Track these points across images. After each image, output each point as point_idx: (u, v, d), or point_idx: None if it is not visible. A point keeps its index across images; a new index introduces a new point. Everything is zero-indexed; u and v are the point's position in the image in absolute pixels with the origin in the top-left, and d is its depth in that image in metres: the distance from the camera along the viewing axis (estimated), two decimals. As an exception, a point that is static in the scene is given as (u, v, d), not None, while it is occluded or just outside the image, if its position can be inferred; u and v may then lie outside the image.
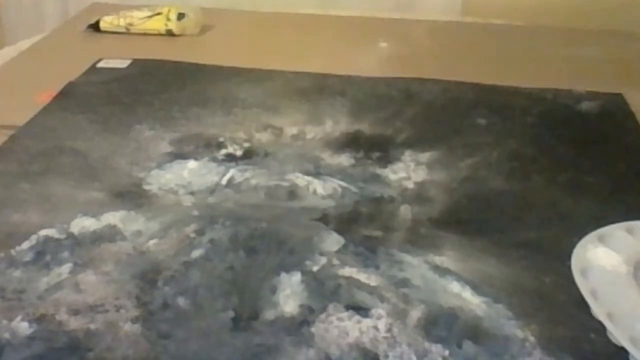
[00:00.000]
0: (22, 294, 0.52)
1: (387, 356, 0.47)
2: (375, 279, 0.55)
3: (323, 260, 0.57)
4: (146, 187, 0.67)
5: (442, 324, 0.50)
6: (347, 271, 0.55)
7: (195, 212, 0.63)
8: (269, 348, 0.48)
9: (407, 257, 0.57)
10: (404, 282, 0.54)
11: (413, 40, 1.13)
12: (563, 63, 1.02)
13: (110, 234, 0.59)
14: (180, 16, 1.10)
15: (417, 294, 0.53)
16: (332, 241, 0.59)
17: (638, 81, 0.94)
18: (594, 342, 0.49)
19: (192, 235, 0.59)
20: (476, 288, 0.54)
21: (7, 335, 0.48)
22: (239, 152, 0.73)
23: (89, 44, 1.06)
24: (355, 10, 1.29)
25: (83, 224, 0.60)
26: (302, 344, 0.48)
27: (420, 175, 0.70)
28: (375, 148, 0.75)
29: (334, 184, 0.68)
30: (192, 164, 0.71)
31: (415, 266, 0.56)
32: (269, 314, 0.51)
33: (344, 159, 0.72)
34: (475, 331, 0.50)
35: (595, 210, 0.64)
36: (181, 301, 0.52)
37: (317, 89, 0.88)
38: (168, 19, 1.09)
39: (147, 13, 1.10)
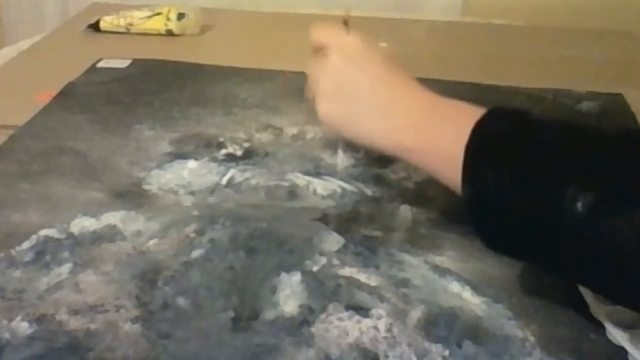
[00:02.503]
0: (22, 294, 0.52)
1: (387, 356, 0.47)
2: (375, 279, 0.55)
3: (323, 260, 0.57)
4: (146, 187, 0.67)
5: (442, 324, 0.50)
6: (347, 271, 0.55)
7: (195, 212, 0.63)
8: (269, 348, 0.48)
9: (407, 257, 0.57)
10: (404, 282, 0.54)
11: (413, 40, 1.13)
12: (563, 63, 1.02)
13: (110, 234, 0.59)
14: (180, 16, 1.09)
15: (417, 294, 0.53)
16: (332, 241, 0.59)
17: (638, 81, 0.94)
18: (594, 342, 0.49)
19: (192, 235, 0.59)
20: (476, 288, 0.54)
21: (7, 335, 0.48)
22: (239, 152, 0.73)
23: (89, 44, 1.06)
24: (355, 10, 1.29)
25: (83, 224, 0.60)
26: (302, 344, 0.48)
27: (420, 175, 0.70)
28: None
29: (334, 184, 0.68)
30: (192, 164, 0.71)
31: (415, 266, 0.56)
32: (269, 314, 0.51)
33: (344, 159, 0.72)
34: (475, 331, 0.50)
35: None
36: (181, 301, 0.52)
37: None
38: (168, 19, 1.09)
39: (147, 13, 1.10)
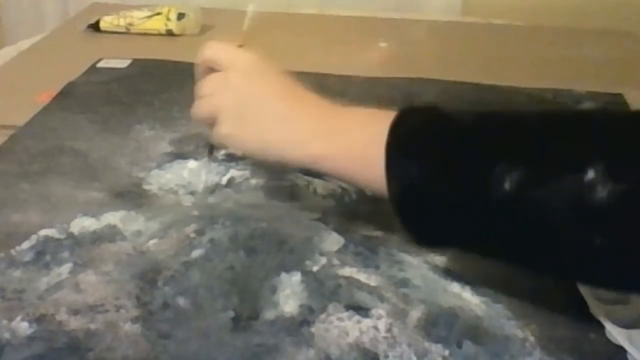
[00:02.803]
0: (22, 294, 0.52)
1: (387, 356, 0.47)
2: (375, 279, 0.55)
3: (323, 260, 0.57)
4: (146, 187, 0.67)
5: (442, 324, 0.50)
6: (347, 271, 0.55)
7: (195, 212, 0.63)
8: (269, 348, 0.48)
9: (407, 257, 0.57)
10: (404, 282, 0.54)
11: (413, 40, 1.13)
12: (563, 63, 1.02)
13: (110, 234, 0.59)
14: (180, 16, 1.10)
15: (417, 294, 0.53)
16: (332, 241, 0.59)
17: (638, 81, 0.94)
18: (594, 342, 0.49)
19: (192, 235, 0.59)
20: (476, 288, 0.54)
21: (7, 335, 0.48)
22: (239, 152, 0.73)
23: (89, 44, 1.07)
24: (355, 10, 1.29)
25: (83, 224, 0.60)
26: (302, 344, 0.48)
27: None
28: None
29: (334, 184, 0.68)
30: (192, 164, 0.71)
31: (415, 266, 0.56)
32: (269, 314, 0.51)
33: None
34: (475, 331, 0.50)
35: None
36: (181, 301, 0.52)
37: (317, 89, 0.88)
38: (168, 19, 1.09)
39: (147, 13, 1.10)
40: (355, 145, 0.52)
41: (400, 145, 0.49)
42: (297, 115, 0.56)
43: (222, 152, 0.73)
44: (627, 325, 0.49)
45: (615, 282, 0.46)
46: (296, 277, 0.54)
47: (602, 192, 0.41)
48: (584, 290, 0.52)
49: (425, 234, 0.50)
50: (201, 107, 0.60)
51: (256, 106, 0.57)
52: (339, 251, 0.58)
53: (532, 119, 0.48)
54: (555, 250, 0.45)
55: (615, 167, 0.42)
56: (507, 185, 0.43)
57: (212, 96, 0.59)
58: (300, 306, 0.52)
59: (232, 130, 0.58)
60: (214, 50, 0.60)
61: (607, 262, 0.44)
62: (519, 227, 0.45)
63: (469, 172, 0.46)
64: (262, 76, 0.58)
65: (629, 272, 0.44)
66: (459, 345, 0.48)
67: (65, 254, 0.57)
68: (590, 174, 0.41)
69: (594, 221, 0.42)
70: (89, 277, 0.54)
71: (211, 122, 0.59)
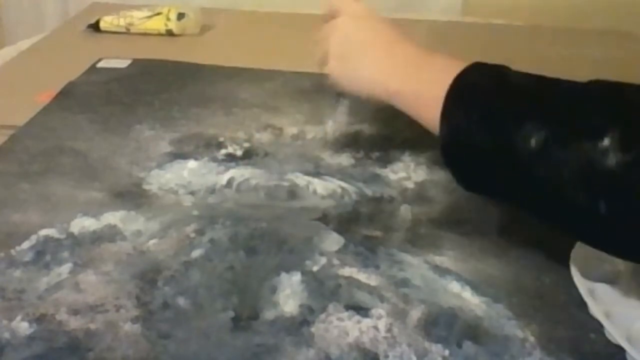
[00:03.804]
0: (22, 294, 0.52)
1: (387, 356, 0.47)
2: (375, 279, 0.55)
3: (323, 260, 0.57)
4: (146, 187, 0.67)
5: (442, 324, 0.50)
6: (347, 271, 0.55)
7: (195, 212, 0.63)
8: (269, 348, 0.48)
9: (407, 257, 0.57)
10: (404, 282, 0.54)
11: (413, 40, 1.13)
12: (563, 63, 1.02)
13: (110, 234, 0.59)
14: (180, 16, 1.10)
15: (417, 294, 0.53)
16: (332, 241, 0.59)
17: (638, 81, 0.94)
18: (594, 342, 0.49)
19: (192, 235, 0.59)
20: (476, 288, 0.54)
21: (7, 335, 0.48)
22: (239, 152, 0.73)
23: (89, 44, 1.06)
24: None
25: (83, 224, 0.60)
26: (302, 344, 0.48)
27: (420, 175, 0.70)
28: (375, 148, 0.75)
29: (334, 184, 0.68)
30: (192, 164, 0.71)
31: (415, 266, 0.56)
32: (269, 314, 0.51)
33: (344, 159, 0.72)
34: (475, 331, 0.50)
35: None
36: (181, 301, 0.52)
37: (317, 89, 0.88)
38: (168, 19, 1.09)
39: (147, 13, 1.10)
40: (425, 86, 0.58)
41: (457, 93, 0.53)
42: (384, 57, 0.63)
43: (223, 152, 0.73)
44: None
45: (615, 248, 0.48)
46: (296, 277, 0.54)
47: (612, 160, 0.43)
48: (584, 290, 0.52)
49: (463, 177, 0.54)
50: (318, 50, 0.68)
51: (356, 48, 0.65)
52: (339, 251, 0.58)
53: (570, 83, 0.52)
54: (564, 210, 0.48)
55: (628, 136, 0.44)
56: (532, 143, 0.47)
57: (324, 39, 0.67)
58: (300, 306, 0.52)
59: (334, 66, 0.66)
60: (333, 2, 0.69)
61: (610, 228, 0.45)
62: (537, 183, 0.48)
63: (502, 127, 0.50)
64: (366, 22, 0.66)
65: (630, 240, 0.45)
66: (459, 345, 0.48)
67: (65, 254, 0.57)
68: (606, 141, 0.44)
69: (601, 187, 0.44)
70: (89, 277, 0.54)
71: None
